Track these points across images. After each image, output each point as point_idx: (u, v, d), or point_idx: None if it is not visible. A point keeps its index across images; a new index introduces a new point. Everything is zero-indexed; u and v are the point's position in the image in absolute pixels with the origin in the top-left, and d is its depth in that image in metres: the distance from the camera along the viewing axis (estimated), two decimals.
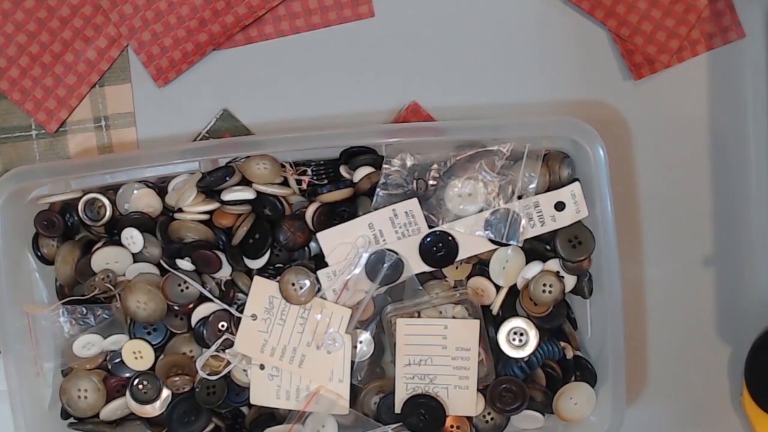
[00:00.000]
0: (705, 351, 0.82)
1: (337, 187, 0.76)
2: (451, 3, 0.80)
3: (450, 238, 0.75)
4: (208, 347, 0.76)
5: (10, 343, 0.75)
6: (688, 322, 0.82)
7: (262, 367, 0.76)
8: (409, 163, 0.75)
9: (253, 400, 0.77)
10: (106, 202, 0.76)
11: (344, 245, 0.75)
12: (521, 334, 0.76)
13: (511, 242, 0.75)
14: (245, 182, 0.75)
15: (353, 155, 0.77)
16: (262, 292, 0.76)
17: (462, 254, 0.75)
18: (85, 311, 0.76)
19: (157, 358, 0.77)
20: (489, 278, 0.77)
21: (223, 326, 0.76)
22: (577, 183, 0.75)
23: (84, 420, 0.77)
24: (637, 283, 0.82)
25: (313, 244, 0.77)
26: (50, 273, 0.78)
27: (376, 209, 0.75)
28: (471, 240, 0.75)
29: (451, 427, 0.76)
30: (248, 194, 0.75)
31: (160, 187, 0.78)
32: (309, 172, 0.77)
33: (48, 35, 0.79)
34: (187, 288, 0.76)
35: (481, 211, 0.75)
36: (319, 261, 0.76)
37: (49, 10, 0.78)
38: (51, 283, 0.79)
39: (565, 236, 0.75)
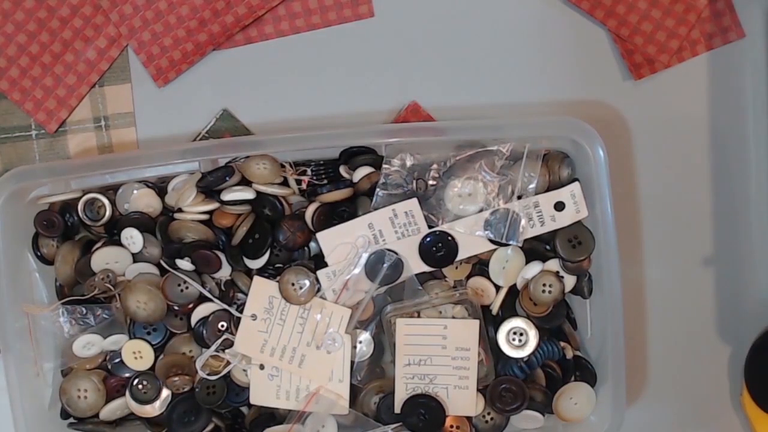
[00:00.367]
0: (705, 351, 0.82)
1: (336, 187, 0.76)
2: (451, 3, 0.80)
3: (450, 238, 0.75)
4: (208, 347, 0.76)
5: (10, 343, 0.75)
6: (688, 322, 0.82)
7: (261, 367, 0.76)
8: (408, 163, 0.75)
9: (252, 400, 0.77)
10: (106, 202, 0.76)
11: (344, 245, 0.75)
12: (521, 334, 0.76)
13: (510, 242, 0.75)
14: (245, 182, 0.75)
15: (353, 155, 0.77)
16: (261, 292, 0.76)
17: (462, 254, 0.75)
18: (85, 311, 0.76)
19: (156, 358, 0.77)
20: (489, 278, 0.77)
21: (222, 326, 0.76)
22: (576, 183, 0.75)
23: (84, 420, 0.77)
24: (637, 283, 0.82)
25: (312, 244, 0.77)
26: (50, 273, 0.78)
27: (375, 209, 0.75)
28: (471, 240, 0.75)
29: (451, 427, 0.76)
30: (248, 194, 0.75)
31: (160, 187, 0.78)
32: (309, 172, 0.77)
33: (48, 35, 0.79)
34: (186, 288, 0.76)
35: (480, 211, 0.75)
36: (318, 261, 0.76)
37: (49, 10, 0.78)
38: (51, 283, 0.79)
39: (564, 236, 0.75)
